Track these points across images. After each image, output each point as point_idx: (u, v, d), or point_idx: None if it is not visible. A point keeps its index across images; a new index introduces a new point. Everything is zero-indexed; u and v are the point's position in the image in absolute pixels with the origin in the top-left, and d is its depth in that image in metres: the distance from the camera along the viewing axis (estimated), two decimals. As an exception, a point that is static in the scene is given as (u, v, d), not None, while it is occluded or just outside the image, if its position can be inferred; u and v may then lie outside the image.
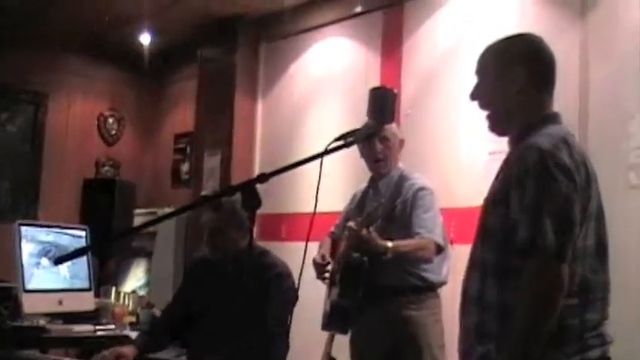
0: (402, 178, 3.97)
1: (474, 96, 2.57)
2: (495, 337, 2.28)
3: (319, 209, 6.26)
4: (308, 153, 6.63)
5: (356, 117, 5.92)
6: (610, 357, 2.32)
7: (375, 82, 5.90)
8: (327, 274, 3.94)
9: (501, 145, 4.82)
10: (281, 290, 3.52)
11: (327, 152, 2.29)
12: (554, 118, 2.44)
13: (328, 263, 3.94)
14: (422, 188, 3.90)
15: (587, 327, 2.26)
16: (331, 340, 5.43)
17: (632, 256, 4.04)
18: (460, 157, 5.25)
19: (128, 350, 3.58)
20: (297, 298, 3.47)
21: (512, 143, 2.47)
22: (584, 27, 4.66)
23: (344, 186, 5.67)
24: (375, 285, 3.77)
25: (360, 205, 4.07)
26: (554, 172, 2.19)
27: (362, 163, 5.66)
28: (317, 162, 2.34)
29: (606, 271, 2.34)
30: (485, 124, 4.99)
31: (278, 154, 6.85)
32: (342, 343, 5.73)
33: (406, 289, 3.84)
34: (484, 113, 5.01)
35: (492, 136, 4.92)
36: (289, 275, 3.61)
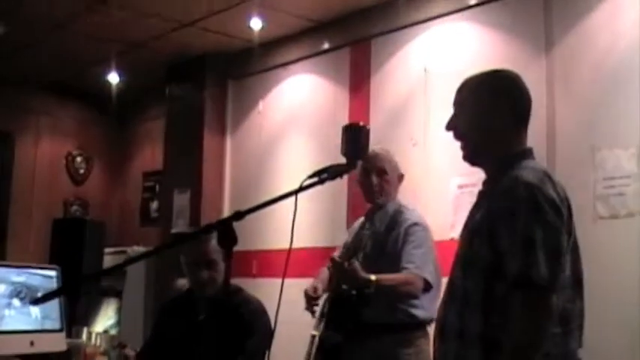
0: (398, 213, 3.91)
1: (450, 126, 2.60)
2: None
3: (294, 245, 6.27)
4: (277, 189, 6.69)
5: (325, 152, 6.04)
6: None
7: (344, 117, 5.95)
8: (316, 307, 3.91)
9: (470, 179, 4.94)
10: (257, 326, 3.49)
11: (301, 189, 2.29)
12: (530, 153, 2.50)
13: (319, 297, 3.91)
14: (415, 224, 3.84)
15: (567, 356, 2.31)
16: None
17: (600, 287, 4.08)
18: (429, 191, 5.29)
19: None
20: (272, 334, 3.47)
21: (491, 175, 2.51)
22: (550, 61, 4.74)
23: (317, 222, 5.71)
24: (363, 320, 3.73)
25: (355, 238, 4.03)
26: (544, 205, 2.24)
27: (335, 199, 5.73)
28: (287, 199, 2.35)
29: (582, 300, 2.39)
30: (453, 157, 5.08)
31: (247, 190, 6.86)
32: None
33: (394, 327, 3.76)
34: (453, 147, 5.09)
35: (461, 170, 5.02)
36: (264, 312, 3.60)
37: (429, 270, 3.74)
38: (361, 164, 3.95)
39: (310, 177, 2.36)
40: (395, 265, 3.73)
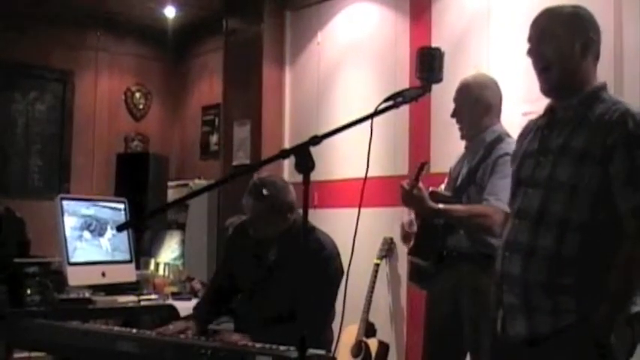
0: (496, 141, 3.72)
1: (533, 53, 2.65)
2: (573, 290, 2.39)
3: (352, 175, 6.28)
4: (337, 120, 6.70)
5: (385, 82, 6.00)
6: None
7: (405, 46, 5.89)
8: (411, 240, 3.87)
9: (533, 106, 4.86)
10: (329, 274, 3.48)
11: (377, 113, 2.28)
12: (607, 87, 2.62)
13: (414, 232, 3.86)
14: (506, 153, 3.56)
15: None
16: (369, 305, 5.49)
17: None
18: (493, 118, 5.23)
19: (190, 325, 3.59)
20: (342, 276, 3.49)
21: (578, 105, 2.55)
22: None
23: (380, 152, 5.69)
24: (448, 249, 3.67)
25: (456, 166, 3.90)
26: None
27: (397, 128, 5.71)
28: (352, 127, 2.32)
29: None
30: (516, 84, 5.02)
31: (307, 121, 6.86)
32: (381, 307, 5.79)
33: (474, 256, 3.62)
34: (516, 74, 5.02)
35: (525, 97, 4.98)
36: (338, 255, 3.58)
37: None
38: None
39: (386, 100, 2.34)
40: (481, 195, 3.62)
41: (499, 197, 3.52)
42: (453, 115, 3.83)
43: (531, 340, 2.49)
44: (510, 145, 3.69)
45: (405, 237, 3.87)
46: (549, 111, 2.64)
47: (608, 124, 2.41)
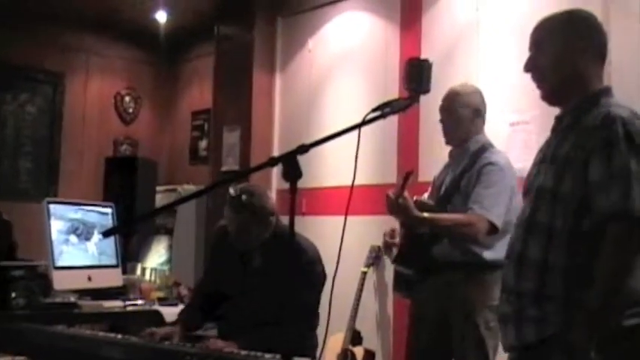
0: (480, 151, 3.78)
1: (528, 67, 2.63)
2: (559, 300, 2.36)
3: (340, 183, 6.28)
4: (327, 127, 6.69)
5: (375, 90, 6.02)
6: None
7: (395, 56, 5.91)
8: (393, 249, 3.89)
9: (522, 116, 4.90)
10: (311, 278, 3.50)
11: (364, 123, 2.29)
12: (610, 91, 2.56)
13: (395, 244, 3.89)
14: (490, 163, 3.68)
15: None
16: (355, 313, 5.50)
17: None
18: (482, 129, 5.25)
19: (175, 330, 3.59)
20: (324, 281, 3.51)
21: (570, 112, 2.54)
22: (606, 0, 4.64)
23: (368, 160, 5.71)
24: (433, 258, 3.70)
25: (440, 176, 3.96)
26: (637, 140, 2.31)
27: (386, 137, 5.72)
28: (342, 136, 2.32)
29: None
30: (505, 95, 5.03)
31: (297, 128, 6.87)
32: (368, 315, 5.80)
33: (461, 265, 3.67)
34: (504, 85, 5.05)
35: (514, 108, 5.00)
36: (320, 260, 3.60)
37: (497, 212, 3.59)
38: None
39: (373, 111, 2.35)
40: (466, 205, 3.64)
41: (484, 206, 3.59)
42: (446, 122, 3.88)
43: (520, 349, 2.49)
44: (494, 155, 3.75)
45: (387, 246, 3.90)
46: (556, 118, 2.63)
47: (590, 128, 2.38)
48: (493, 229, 3.59)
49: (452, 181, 3.77)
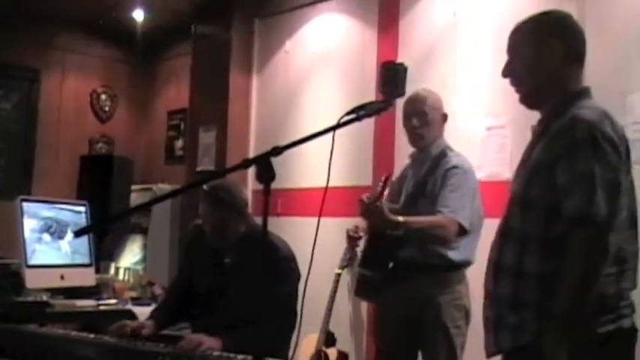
0: (441, 155, 3.87)
1: (505, 73, 2.61)
2: (534, 306, 2.34)
3: (316, 184, 6.29)
4: (304, 128, 6.69)
5: (352, 92, 6.03)
6: (637, 327, 2.40)
7: (372, 58, 5.92)
8: (358, 246, 3.95)
9: (497, 120, 4.93)
10: (285, 274, 3.48)
11: (339, 125, 2.29)
12: (587, 93, 2.52)
13: (360, 237, 3.95)
14: (454, 167, 3.78)
15: (621, 296, 2.35)
16: (329, 314, 5.50)
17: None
18: (457, 133, 5.26)
19: (147, 323, 3.58)
20: (299, 278, 3.51)
21: (548, 115, 2.52)
22: (581, 3, 4.67)
23: (343, 162, 5.72)
24: (399, 261, 3.75)
25: (400, 178, 4.04)
26: (603, 144, 2.26)
27: (361, 140, 5.73)
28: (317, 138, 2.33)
29: (637, 242, 2.41)
30: (481, 99, 5.07)
31: (273, 129, 6.87)
32: (341, 317, 5.81)
33: (428, 268, 3.75)
34: (480, 89, 5.08)
35: (489, 111, 5.03)
36: (293, 257, 3.60)
37: (464, 214, 3.69)
38: (403, 108, 3.95)
39: (348, 114, 2.35)
40: (432, 208, 3.71)
41: (452, 209, 3.68)
42: (421, 125, 3.91)
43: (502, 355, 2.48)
44: (455, 158, 3.86)
45: (351, 240, 3.95)
46: (538, 121, 2.61)
47: (558, 132, 2.36)
48: (462, 231, 3.69)
49: (415, 185, 3.84)
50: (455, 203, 3.69)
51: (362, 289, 3.96)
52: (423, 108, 3.88)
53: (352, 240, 3.96)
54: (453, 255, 3.77)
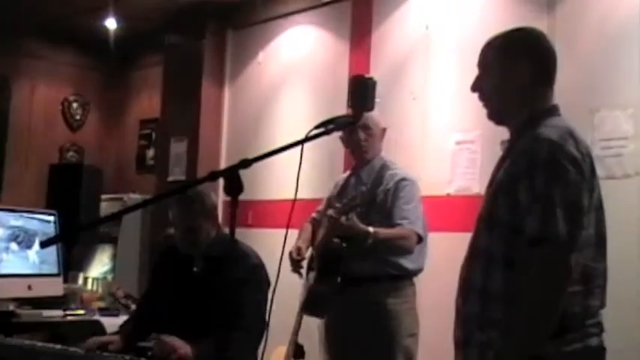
0: (384, 168, 4.00)
1: (475, 88, 2.58)
2: (500, 325, 2.32)
3: (287, 196, 6.28)
4: (275, 140, 6.69)
5: (324, 105, 6.04)
6: (605, 346, 2.38)
7: (344, 71, 5.95)
8: (302, 269, 3.99)
9: (467, 135, 4.96)
10: (256, 282, 3.49)
11: (308, 139, 2.30)
12: (555, 110, 2.49)
13: (303, 258, 3.99)
14: (404, 179, 3.93)
15: (588, 315, 2.32)
16: (298, 326, 5.49)
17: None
18: (427, 147, 5.30)
19: (115, 338, 3.56)
20: (269, 286, 3.51)
21: (515, 133, 2.51)
22: (551, 21, 4.72)
23: (314, 174, 5.73)
24: (353, 273, 3.80)
25: (341, 193, 4.10)
26: (564, 163, 2.24)
27: (332, 152, 5.74)
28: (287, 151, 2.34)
29: (605, 260, 2.40)
30: (451, 113, 5.11)
31: (245, 140, 6.88)
32: (311, 329, 5.79)
33: (383, 278, 3.87)
34: (451, 104, 5.11)
35: (459, 126, 5.05)
36: (262, 266, 3.60)
37: (419, 225, 3.87)
38: None
39: (317, 127, 2.36)
40: (385, 220, 3.84)
41: (410, 221, 3.84)
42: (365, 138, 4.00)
43: None
44: (400, 171, 4.00)
45: (296, 266, 3.98)
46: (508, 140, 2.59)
47: (521, 152, 2.34)
48: (419, 241, 3.86)
49: (364, 197, 3.86)
50: (411, 215, 3.86)
51: (311, 305, 3.99)
52: (367, 122, 3.94)
53: (296, 263, 3.98)
54: (409, 264, 3.91)
